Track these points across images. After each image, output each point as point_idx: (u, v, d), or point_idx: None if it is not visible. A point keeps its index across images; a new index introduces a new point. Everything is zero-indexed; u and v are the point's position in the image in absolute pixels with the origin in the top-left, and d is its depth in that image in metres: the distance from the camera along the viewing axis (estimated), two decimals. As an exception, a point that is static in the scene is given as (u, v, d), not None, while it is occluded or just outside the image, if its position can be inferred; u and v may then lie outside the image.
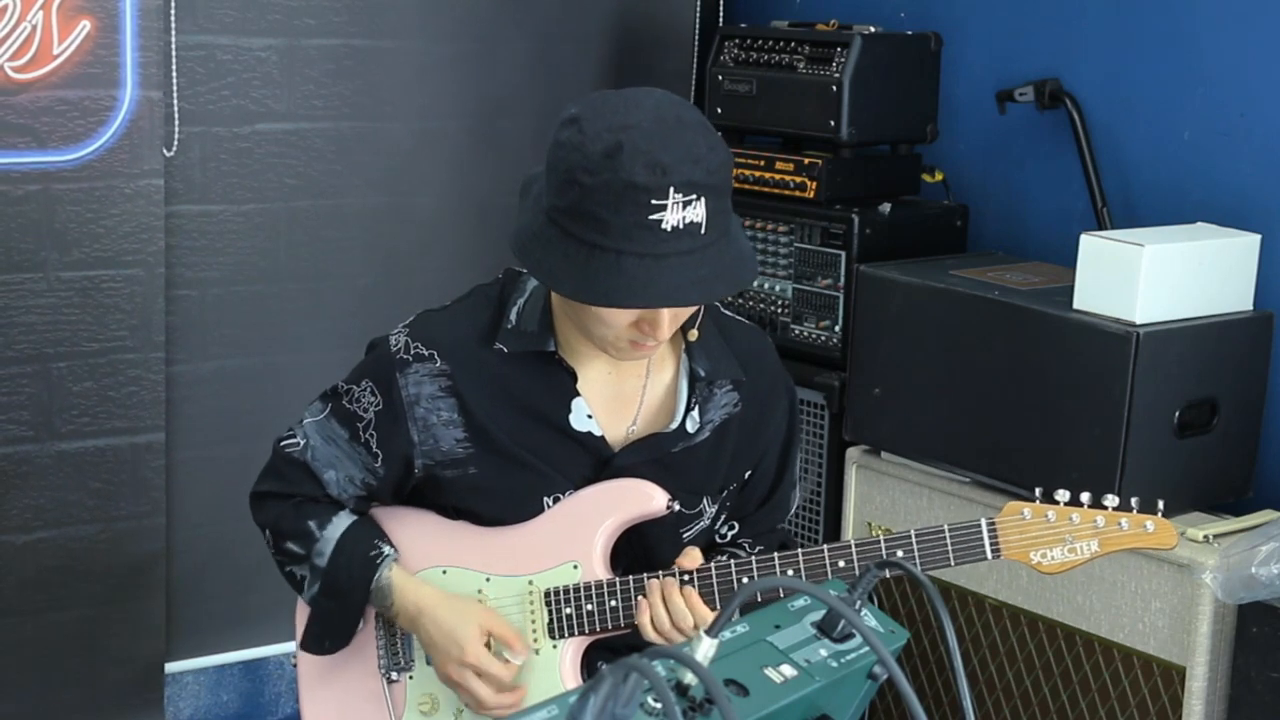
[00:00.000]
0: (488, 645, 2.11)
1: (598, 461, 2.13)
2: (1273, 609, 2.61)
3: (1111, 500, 2.09)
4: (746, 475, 2.23)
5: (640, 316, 1.95)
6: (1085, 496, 2.09)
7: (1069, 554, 2.07)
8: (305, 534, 2.17)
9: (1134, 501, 2.10)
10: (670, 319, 1.95)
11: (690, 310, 2.02)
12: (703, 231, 1.86)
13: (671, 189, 1.83)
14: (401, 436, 2.12)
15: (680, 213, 1.84)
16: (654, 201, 1.83)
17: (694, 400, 2.14)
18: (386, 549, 2.17)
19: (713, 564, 2.10)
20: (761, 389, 2.21)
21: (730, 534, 2.27)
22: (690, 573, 2.08)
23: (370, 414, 2.13)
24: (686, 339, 2.14)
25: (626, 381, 2.15)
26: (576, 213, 1.86)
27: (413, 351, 2.11)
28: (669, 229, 1.84)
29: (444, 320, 2.15)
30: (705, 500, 2.18)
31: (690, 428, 2.13)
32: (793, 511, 2.35)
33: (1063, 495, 2.08)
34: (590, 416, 2.11)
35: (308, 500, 2.19)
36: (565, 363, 2.11)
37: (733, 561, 2.09)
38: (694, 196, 1.84)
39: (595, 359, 2.12)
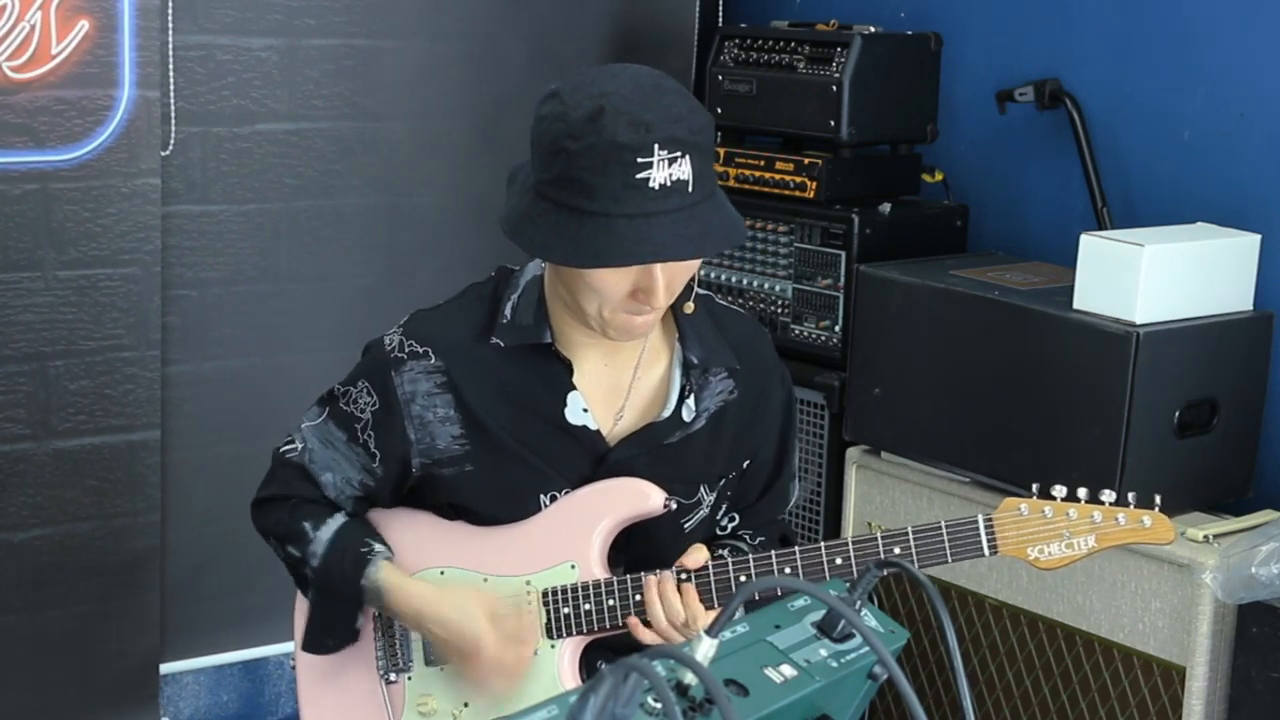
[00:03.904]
0: None
1: (594, 457, 2.13)
2: (1273, 609, 2.61)
3: (1108, 495, 2.09)
4: (745, 464, 2.23)
5: (635, 285, 1.95)
6: (1082, 492, 2.09)
7: (1066, 550, 2.07)
8: (300, 535, 2.17)
9: (1131, 497, 2.10)
10: (665, 285, 1.95)
11: (684, 278, 2.01)
12: (690, 190, 1.88)
13: (656, 145, 1.84)
14: (398, 435, 2.12)
15: (666, 170, 1.85)
16: (639, 160, 1.84)
17: (689, 388, 2.13)
18: (378, 546, 2.17)
19: (709, 563, 2.09)
20: (757, 377, 2.20)
21: (731, 525, 2.27)
22: (688, 571, 2.08)
23: (367, 414, 2.13)
24: (680, 325, 2.14)
25: (621, 374, 2.15)
26: (563, 180, 1.87)
27: (407, 350, 2.11)
28: (656, 187, 1.85)
29: (438, 318, 2.15)
30: (703, 489, 2.17)
31: (687, 416, 2.13)
32: (792, 504, 2.35)
33: (1059, 491, 2.08)
34: (586, 410, 2.11)
35: (304, 502, 2.19)
36: (562, 355, 2.11)
37: (730, 560, 2.09)
38: (678, 153, 1.86)
39: (591, 351, 2.12)
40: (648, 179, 1.85)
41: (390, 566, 2.16)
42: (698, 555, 2.10)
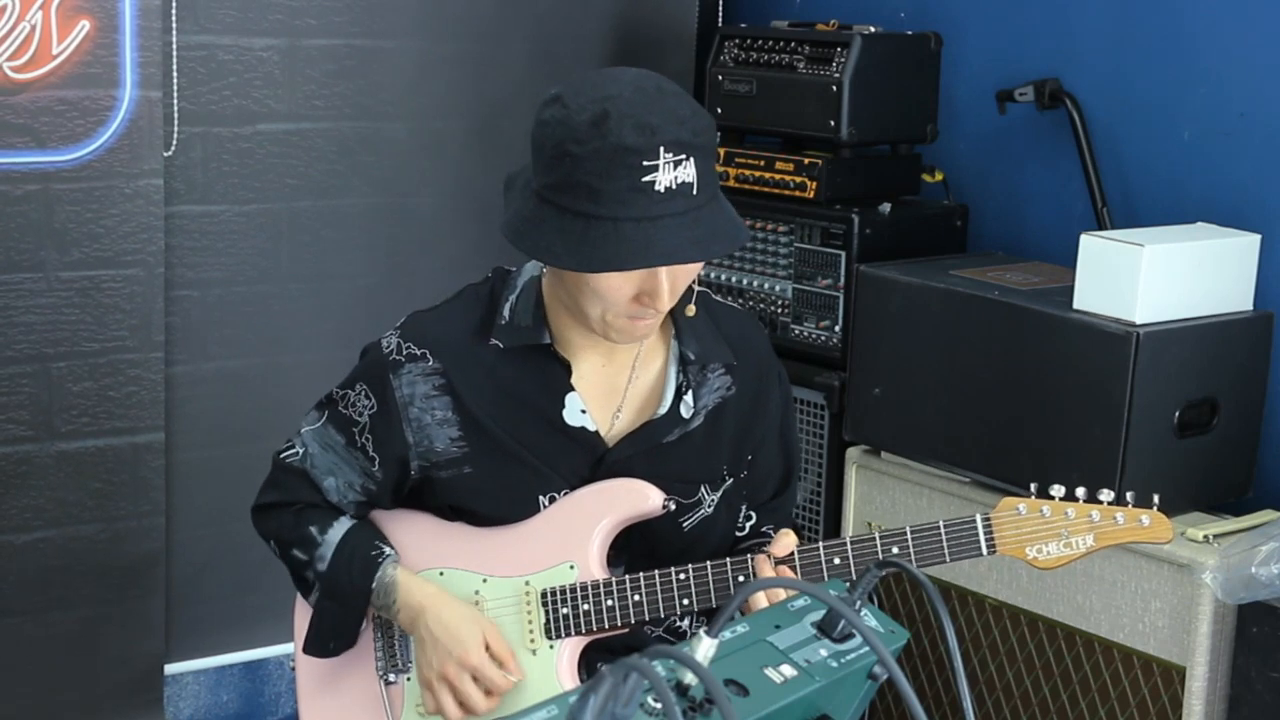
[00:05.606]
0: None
1: (593, 458, 2.13)
2: (1273, 609, 2.61)
3: (1107, 495, 2.09)
4: (749, 459, 2.23)
5: (640, 288, 1.95)
6: (1080, 491, 2.09)
7: (1064, 549, 2.07)
8: (307, 540, 2.17)
9: (1129, 496, 2.10)
10: (669, 288, 1.95)
11: (687, 280, 2.02)
12: (694, 192, 1.88)
13: (661, 148, 1.84)
14: (396, 438, 2.12)
15: (672, 173, 1.85)
16: (645, 163, 1.84)
17: (686, 384, 2.14)
18: (387, 549, 2.17)
19: (708, 564, 2.10)
20: (754, 373, 2.21)
21: (750, 525, 2.27)
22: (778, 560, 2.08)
23: (365, 417, 2.14)
24: (678, 325, 2.14)
25: (618, 374, 2.15)
26: (568, 185, 1.87)
27: (405, 352, 2.11)
28: (662, 190, 1.85)
29: (435, 320, 2.15)
30: (704, 488, 2.17)
31: (685, 412, 2.13)
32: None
33: (1058, 490, 2.08)
34: (584, 411, 2.11)
35: (308, 507, 2.20)
36: (560, 355, 2.11)
37: (728, 560, 2.09)
38: (683, 156, 1.86)
39: (589, 352, 2.13)
40: (653, 182, 1.85)
41: (400, 567, 2.16)
42: (786, 541, 2.11)
